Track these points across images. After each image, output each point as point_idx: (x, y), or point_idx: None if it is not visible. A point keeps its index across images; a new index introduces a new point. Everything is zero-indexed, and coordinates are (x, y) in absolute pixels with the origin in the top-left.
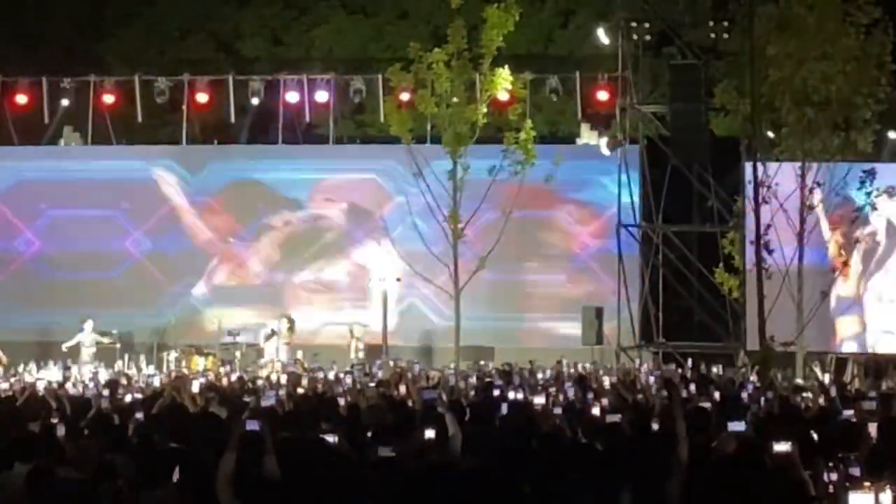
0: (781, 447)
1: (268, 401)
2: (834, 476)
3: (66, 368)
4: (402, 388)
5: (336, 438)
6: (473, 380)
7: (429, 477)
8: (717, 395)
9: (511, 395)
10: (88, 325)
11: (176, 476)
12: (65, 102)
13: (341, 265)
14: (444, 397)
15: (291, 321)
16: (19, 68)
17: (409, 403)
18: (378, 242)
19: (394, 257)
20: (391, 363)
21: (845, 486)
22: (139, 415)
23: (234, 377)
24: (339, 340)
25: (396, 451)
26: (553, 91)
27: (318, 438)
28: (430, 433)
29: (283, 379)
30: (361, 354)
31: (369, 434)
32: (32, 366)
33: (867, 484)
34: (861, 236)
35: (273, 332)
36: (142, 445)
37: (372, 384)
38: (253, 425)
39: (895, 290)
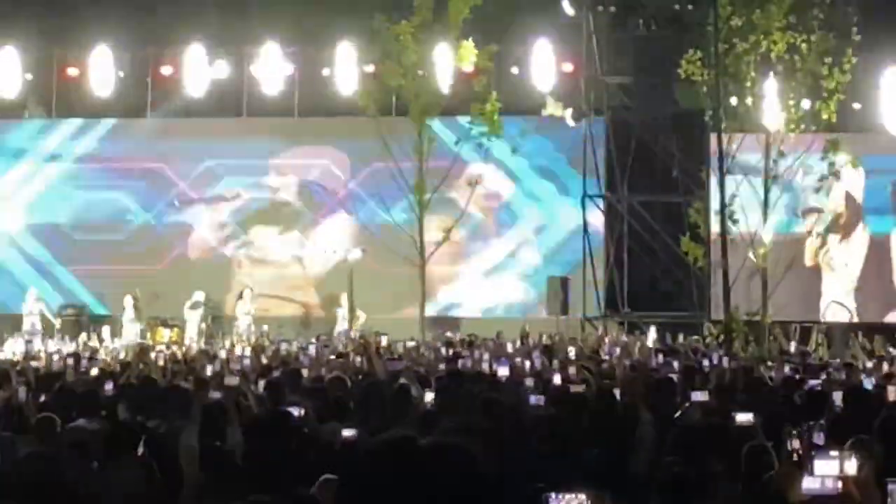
0: (743, 417)
1: (232, 380)
2: (797, 444)
3: (28, 342)
4: (368, 360)
5: (302, 411)
6: (443, 351)
7: (392, 450)
8: (681, 364)
9: (475, 366)
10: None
11: (141, 449)
12: (28, 76)
13: (306, 237)
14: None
15: (251, 291)
16: None
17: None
18: (343, 214)
19: (360, 229)
20: (353, 334)
21: (810, 454)
22: (108, 386)
23: (195, 349)
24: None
25: (360, 430)
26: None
27: (284, 412)
28: (428, 397)
29: (247, 351)
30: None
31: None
32: None
33: (832, 452)
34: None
35: (198, 303)
36: (108, 418)
37: (332, 356)
38: (216, 397)
39: (856, 261)
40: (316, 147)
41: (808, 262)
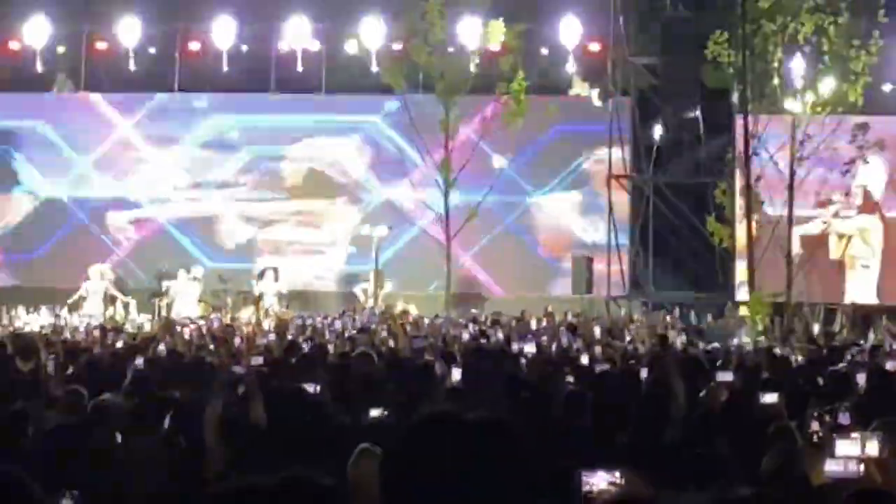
0: (768, 398)
1: (256, 360)
2: (816, 426)
3: (57, 315)
4: (393, 336)
5: (318, 388)
6: (470, 328)
7: (436, 425)
8: (706, 345)
9: (503, 344)
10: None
11: (167, 422)
12: (60, 50)
13: (333, 215)
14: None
15: (276, 271)
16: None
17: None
18: (370, 191)
19: (386, 206)
20: (377, 311)
21: (833, 435)
22: (139, 361)
23: (219, 323)
24: (328, 289)
25: (388, 410)
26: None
27: (297, 388)
28: (456, 375)
29: (272, 325)
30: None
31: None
32: (21, 310)
33: (853, 434)
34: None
35: (263, 272)
36: (136, 391)
37: (355, 332)
38: (239, 371)
39: (870, 253)
40: (342, 124)
41: (833, 255)
